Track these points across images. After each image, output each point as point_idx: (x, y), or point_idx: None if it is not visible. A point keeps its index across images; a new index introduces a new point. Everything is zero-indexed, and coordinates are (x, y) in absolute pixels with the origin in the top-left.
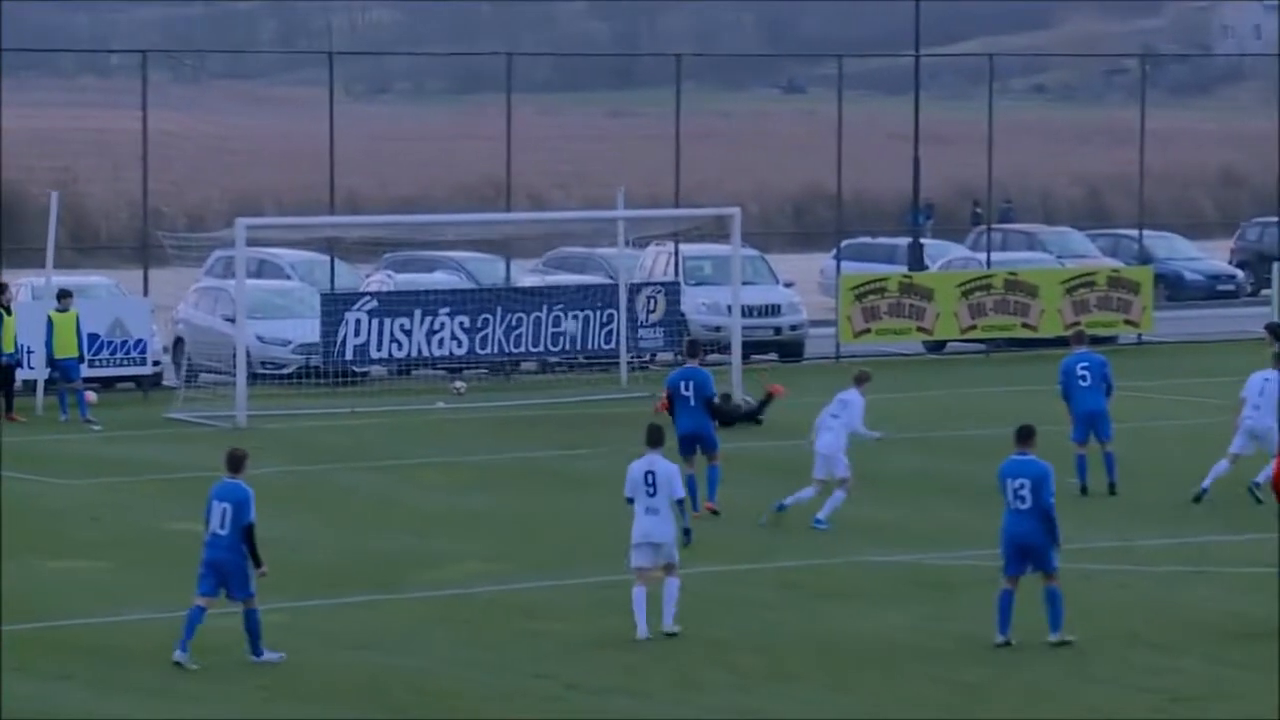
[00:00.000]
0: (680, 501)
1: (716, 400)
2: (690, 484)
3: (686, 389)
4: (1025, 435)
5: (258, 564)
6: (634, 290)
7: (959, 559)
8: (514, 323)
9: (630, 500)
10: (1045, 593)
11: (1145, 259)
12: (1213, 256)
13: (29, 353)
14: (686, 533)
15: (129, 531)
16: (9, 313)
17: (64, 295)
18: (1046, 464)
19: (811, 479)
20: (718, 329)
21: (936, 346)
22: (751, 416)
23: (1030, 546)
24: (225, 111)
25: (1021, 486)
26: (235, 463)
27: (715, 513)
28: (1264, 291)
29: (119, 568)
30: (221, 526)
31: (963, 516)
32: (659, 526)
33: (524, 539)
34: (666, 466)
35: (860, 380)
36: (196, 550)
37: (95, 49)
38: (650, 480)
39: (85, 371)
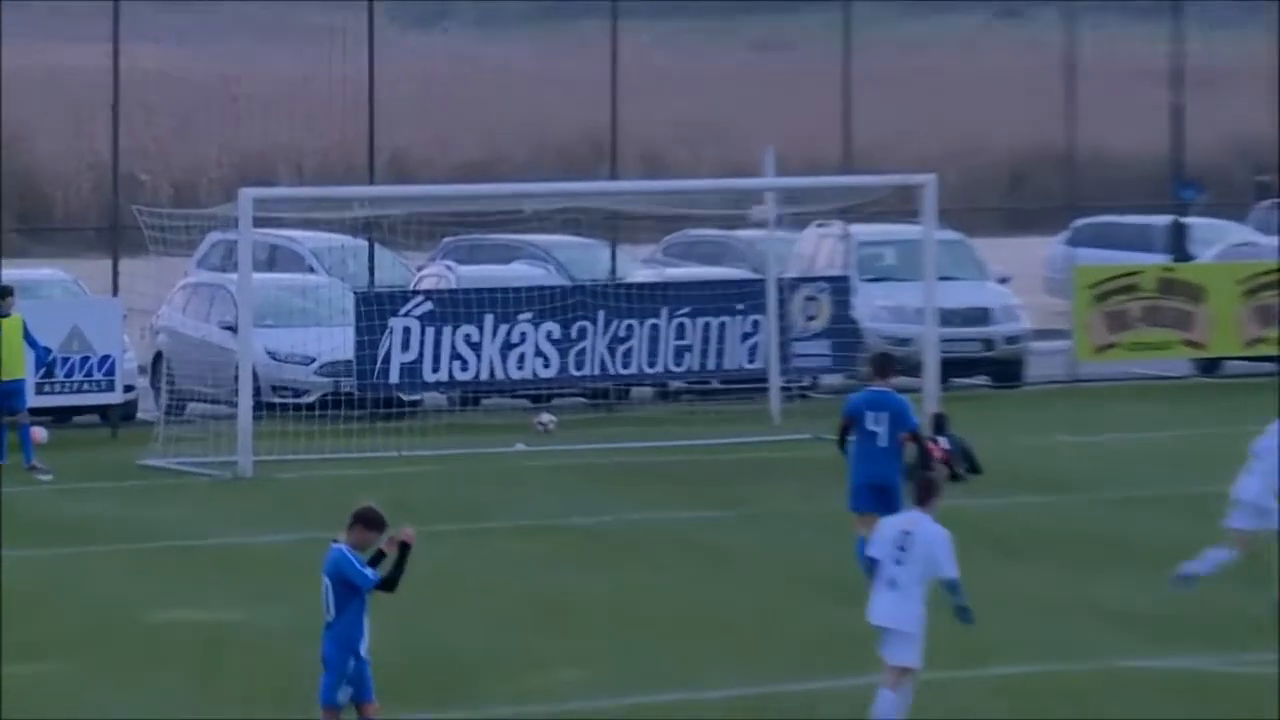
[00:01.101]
0: (951, 584)
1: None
2: (860, 548)
3: (876, 421)
4: None
5: (402, 557)
6: (788, 288)
7: (1244, 663)
8: (621, 333)
9: (871, 566)
10: None
11: None
12: None
13: None
14: (962, 611)
15: (98, 622)
16: None
17: (3, 294)
18: None
19: (1228, 533)
20: (904, 342)
21: (1210, 366)
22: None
23: None
24: (228, 45)
25: None
26: (354, 519)
27: None
28: None
29: (87, 671)
30: (328, 611)
31: (1252, 605)
32: (899, 607)
33: (637, 635)
34: (932, 531)
35: None
36: (188, 645)
37: None
38: (904, 544)
39: (32, 400)
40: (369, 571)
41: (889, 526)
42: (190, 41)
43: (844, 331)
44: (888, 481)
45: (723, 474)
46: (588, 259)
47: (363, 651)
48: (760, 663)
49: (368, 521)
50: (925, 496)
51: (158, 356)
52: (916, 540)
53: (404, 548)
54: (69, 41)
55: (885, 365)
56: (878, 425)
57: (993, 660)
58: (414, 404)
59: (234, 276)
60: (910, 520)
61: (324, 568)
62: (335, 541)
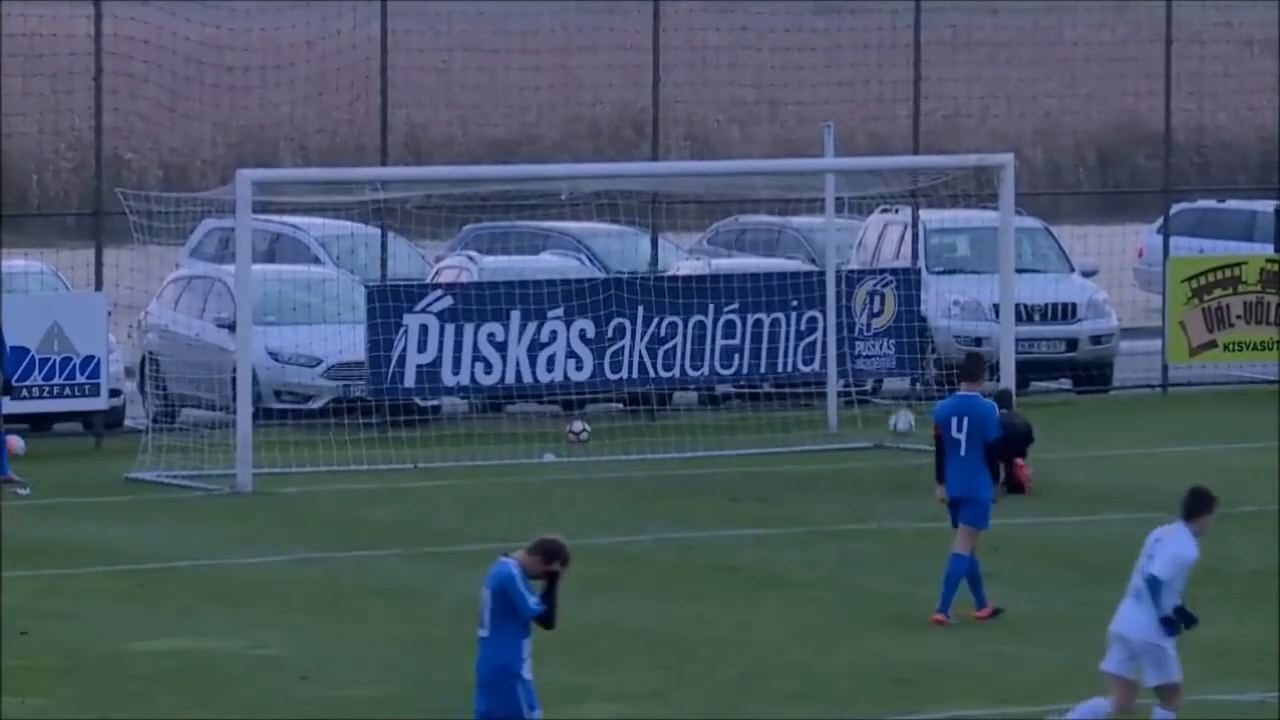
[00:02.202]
0: (1151, 583)
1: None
2: (953, 571)
3: (958, 428)
4: None
5: (552, 587)
6: (850, 281)
7: None
8: (663, 331)
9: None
10: None
11: None
12: None
13: None
14: (1165, 623)
15: (79, 652)
16: None
17: None
18: None
19: None
20: (978, 341)
21: None
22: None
23: None
24: (224, 8)
25: None
26: (536, 546)
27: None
28: None
29: (67, 707)
30: (484, 626)
31: None
32: (1142, 619)
33: (677, 667)
34: (1179, 541)
35: None
36: (179, 678)
37: None
38: (1153, 552)
39: (7, 406)
40: (533, 600)
41: (1150, 536)
42: (182, 4)
43: (910, 329)
44: (970, 494)
45: (774, 488)
46: (625, 249)
47: (525, 672)
48: (812, 698)
49: (549, 554)
50: (1193, 510)
51: (146, 357)
52: (1156, 550)
53: (553, 578)
54: (45, 4)
55: (974, 368)
56: (960, 433)
57: (1066, 696)
58: (431, 410)
59: (231, 268)
60: (1168, 530)
61: (486, 579)
62: (506, 556)
